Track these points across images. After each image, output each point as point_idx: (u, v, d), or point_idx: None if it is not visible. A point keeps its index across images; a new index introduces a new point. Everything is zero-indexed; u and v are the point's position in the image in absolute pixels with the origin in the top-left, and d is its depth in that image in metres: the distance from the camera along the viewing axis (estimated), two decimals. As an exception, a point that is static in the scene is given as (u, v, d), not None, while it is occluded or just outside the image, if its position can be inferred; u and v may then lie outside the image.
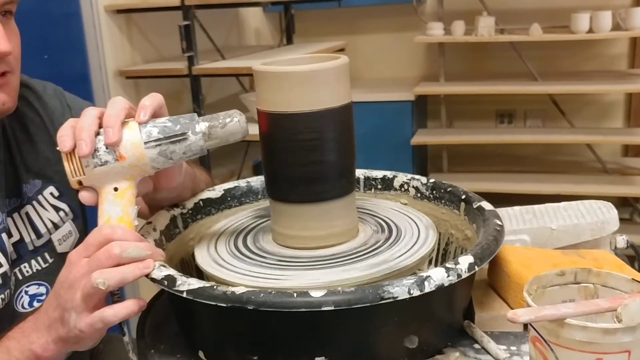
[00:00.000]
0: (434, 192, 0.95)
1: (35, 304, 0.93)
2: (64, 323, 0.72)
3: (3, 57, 0.82)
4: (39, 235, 0.95)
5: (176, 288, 0.68)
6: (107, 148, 0.73)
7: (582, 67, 3.03)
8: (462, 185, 0.93)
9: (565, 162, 3.06)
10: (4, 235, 0.89)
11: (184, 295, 0.67)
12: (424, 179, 0.97)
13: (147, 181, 0.80)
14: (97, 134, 0.74)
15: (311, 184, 0.81)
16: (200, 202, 0.96)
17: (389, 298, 0.63)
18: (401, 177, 1.00)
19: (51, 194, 0.97)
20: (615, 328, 0.57)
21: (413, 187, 0.98)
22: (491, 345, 0.75)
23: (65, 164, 0.74)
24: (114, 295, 0.73)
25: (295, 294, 0.64)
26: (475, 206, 0.86)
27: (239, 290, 0.65)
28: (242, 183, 1.02)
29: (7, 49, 0.81)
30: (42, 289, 0.94)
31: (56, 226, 0.96)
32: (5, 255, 0.89)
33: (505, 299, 0.84)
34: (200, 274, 0.84)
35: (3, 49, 0.80)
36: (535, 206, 1.01)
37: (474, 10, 2.79)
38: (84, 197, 0.76)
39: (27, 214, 0.94)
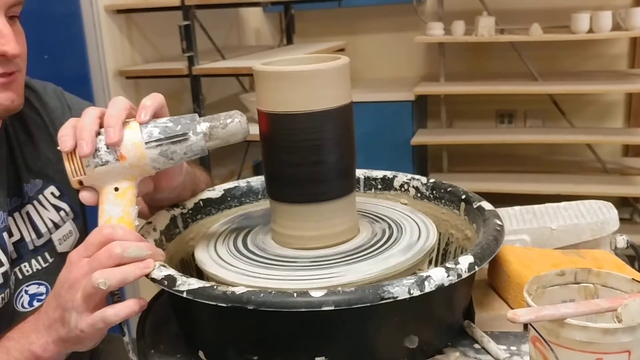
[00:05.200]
0: (434, 192, 0.95)
1: (35, 304, 0.93)
2: (65, 323, 0.72)
3: (13, 59, 0.83)
4: (39, 234, 0.95)
5: (176, 288, 0.68)
6: (107, 148, 0.73)
7: (582, 67, 3.03)
8: (462, 185, 0.93)
9: (565, 162, 3.06)
10: (5, 235, 0.89)
11: (184, 295, 0.67)
12: (424, 179, 0.97)
13: (147, 181, 0.80)
14: (98, 133, 0.74)
15: (311, 184, 0.81)
16: (200, 202, 0.96)
17: (389, 298, 0.63)
18: (401, 177, 1.00)
19: (52, 193, 0.97)
20: (615, 328, 0.57)
21: (413, 187, 0.98)
22: (491, 345, 0.75)
23: (66, 164, 0.74)
24: (114, 295, 0.73)
25: (295, 294, 0.64)
26: (475, 206, 0.86)
27: (239, 290, 0.65)
28: (242, 183, 1.02)
29: (17, 51, 0.82)
30: (42, 289, 0.94)
31: (57, 226, 0.97)
32: (6, 254, 0.89)
33: (505, 299, 0.84)
34: (200, 274, 0.84)
35: (14, 52, 0.81)
36: (535, 206, 1.01)
37: (474, 10, 2.79)
38: (85, 196, 0.76)
39: (27, 213, 0.94)
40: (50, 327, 0.74)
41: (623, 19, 2.57)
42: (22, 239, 0.93)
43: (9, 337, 0.77)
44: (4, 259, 0.88)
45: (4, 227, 0.89)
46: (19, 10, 0.86)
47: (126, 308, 0.71)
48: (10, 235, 0.91)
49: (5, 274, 0.88)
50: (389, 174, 1.01)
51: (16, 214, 0.93)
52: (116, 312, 0.71)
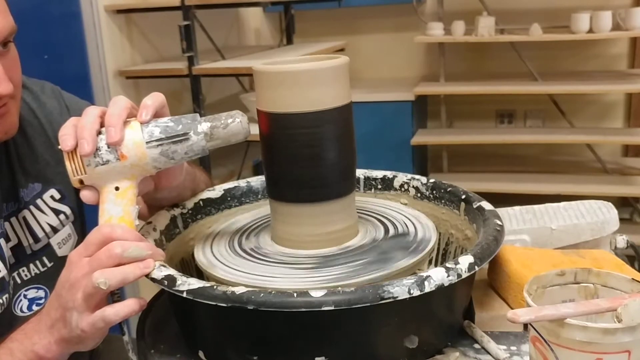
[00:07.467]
0: (434, 192, 0.95)
1: (34, 308, 0.93)
2: (66, 323, 0.72)
3: (4, 97, 0.81)
4: (36, 239, 0.94)
5: (176, 288, 0.68)
6: (108, 147, 0.73)
7: (582, 67, 3.03)
8: (462, 185, 0.93)
9: (565, 162, 3.07)
10: (2, 241, 0.89)
11: (184, 295, 0.67)
12: (424, 179, 0.97)
13: (148, 180, 0.80)
14: (99, 133, 0.74)
15: (311, 184, 0.81)
16: (200, 202, 0.96)
17: (389, 298, 0.63)
18: (401, 177, 1.00)
19: (52, 197, 0.96)
20: (615, 328, 0.57)
21: (413, 187, 0.98)
22: (491, 345, 0.75)
23: (67, 163, 0.74)
24: (114, 295, 0.73)
25: (295, 294, 0.64)
26: (475, 206, 0.86)
27: (239, 290, 0.65)
28: (242, 183, 1.02)
29: (9, 91, 0.80)
30: (41, 293, 0.94)
31: (55, 230, 0.96)
32: (4, 260, 0.88)
33: (505, 299, 0.84)
34: (200, 274, 0.84)
35: (5, 92, 0.80)
36: (535, 206, 1.01)
37: (474, 10, 2.79)
38: (85, 196, 0.76)
39: (24, 218, 0.93)
40: (53, 327, 0.74)
41: (623, 19, 2.57)
42: (19, 243, 0.92)
43: (13, 338, 0.77)
44: (1, 266, 0.88)
45: (0, 233, 0.89)
46: (12, 35, 0.83)
47: (126, 307, 0.71)
48: (8, 240, 0.91)
49: (3, 280, 0.88)
50: (389, 174, 1.01)
51: (13, 219, 0.92)
52: (116, 311, 0.71)
